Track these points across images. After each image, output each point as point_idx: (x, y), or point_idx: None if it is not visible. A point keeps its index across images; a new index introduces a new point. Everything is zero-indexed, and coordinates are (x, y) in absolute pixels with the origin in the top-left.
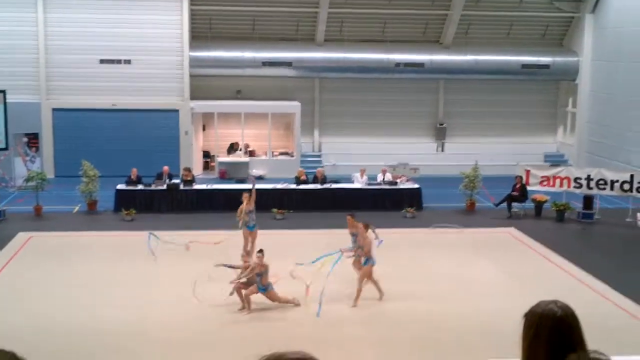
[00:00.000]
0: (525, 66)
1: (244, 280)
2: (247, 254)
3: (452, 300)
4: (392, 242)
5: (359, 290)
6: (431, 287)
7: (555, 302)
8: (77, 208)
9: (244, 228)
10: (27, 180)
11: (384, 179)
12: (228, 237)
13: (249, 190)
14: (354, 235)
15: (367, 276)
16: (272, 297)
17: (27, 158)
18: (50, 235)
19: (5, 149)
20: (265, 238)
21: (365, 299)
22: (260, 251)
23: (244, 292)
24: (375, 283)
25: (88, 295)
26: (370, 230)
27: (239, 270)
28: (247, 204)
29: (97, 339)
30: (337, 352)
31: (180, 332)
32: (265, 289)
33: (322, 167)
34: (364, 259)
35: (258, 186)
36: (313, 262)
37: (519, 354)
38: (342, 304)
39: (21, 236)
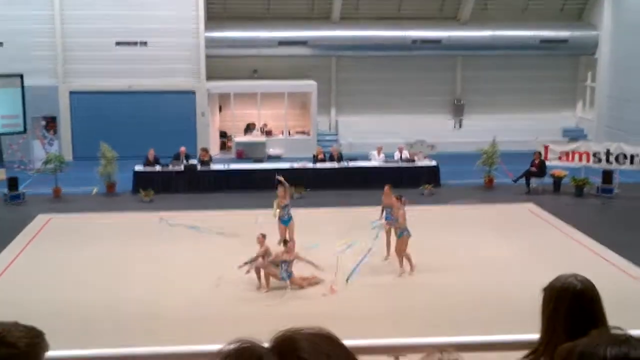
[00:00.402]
0: (544, 41)
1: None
2: (284, 243)
3: (470, 275)
4: (410, 220)
5: (400, 261)
6: (450, 263)
7: (575, 275)
8: (95, 190)
9: (278, 222)
10: (46, 162)
11: (400, 156)
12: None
13: (283, 184)
14: (387, 207)
15: (403, 248)
16: (295, 283)
17: (45, 141)
18: (70, 217)
19: (24, 132)
20: None
21: (385, 274)
22: (285, 242)
23: (263, 271)
24: (408, 256)
25: (107, 276)
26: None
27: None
28: (282, 199)
29: (116, 320)
30: (354, 327)
31: (198, 311)
32: (289, 276)
33: (337, 145)
34: (399, 231)
35: (275, 165)
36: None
37: (539, 328)
38: (366, 277)
39: (41, 218)
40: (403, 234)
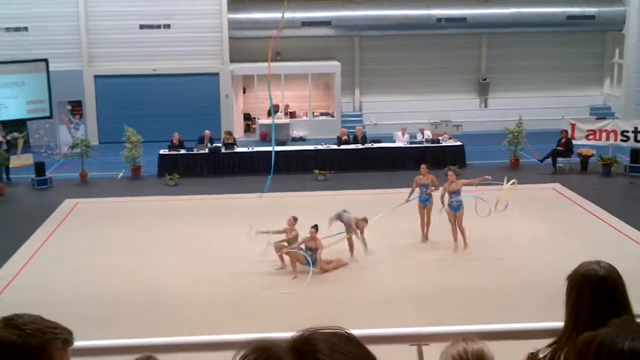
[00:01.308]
0: (570, 17)
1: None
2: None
3: (496, 256)
4: (435, 199)
5: (463, 236)
6: (476, 245)
7: (598, 262)
8: (121, 174)
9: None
10: (72, 147)
11: (423, 137)
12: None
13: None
14: (424, 185)
15: (461, 221)
16: (321, 268)
17: (71, 125)
18: (97, 201)
19: (50, 117)
20: (308, 200)
21: (407, 256)
22: (315, 227)
23: (287, 256)
24: (463, 231)
25: (135, 260)
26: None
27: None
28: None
29: (144, 303)
30: (378, 311)
31: (224, 296)
32: (315, 262)
33: (362, 125)
34: (456, 204)
35: (299, 147)
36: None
37: (563, 315)
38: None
39: (68, 203)
40: (459, 208)
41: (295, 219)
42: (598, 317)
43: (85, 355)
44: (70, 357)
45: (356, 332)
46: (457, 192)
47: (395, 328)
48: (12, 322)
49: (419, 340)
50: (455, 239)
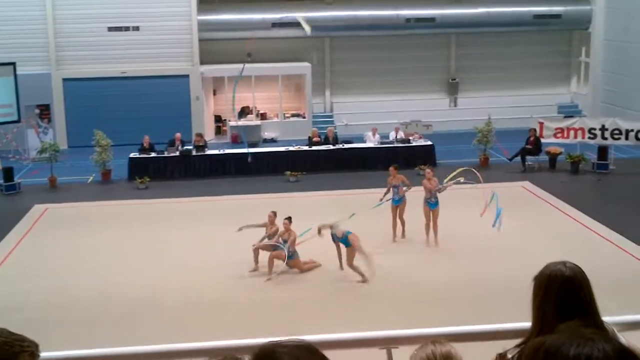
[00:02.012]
0: (537, 16)
1: (267, 243)
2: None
3: (465, 255)
4: (409, 199)
5: (436, 233)
6: (445, 243)
7: (564, 262)
8: (91, 178)
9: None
10: (41, 151)
11: (396, 137)
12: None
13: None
14: (395, 187)
15: (436, 218)
16: (296, 265)
17: (40, 130)
18: (66, 206)
19: (18, 121)
20: (280, 201)
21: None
22: (288, 218)
23: (269, 254)
24: (436, 228)
25: (105, 264)
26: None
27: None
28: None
29: (114, 307)
30: (352, 312)
31: (196, 298)
32: (292, 256)
33: (333, 126)
34: (434, 201)
35: (271, 149)
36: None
37: (530, 315)
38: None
39: (37, 208)
40: (436, 206)
41: (274, 214)
42: (564, 317)
43: None
44: None
45: (326, 336)
46: (434, 191)
47: (365, 332)
48: None
49: (388, 343)
50: (428, 233)
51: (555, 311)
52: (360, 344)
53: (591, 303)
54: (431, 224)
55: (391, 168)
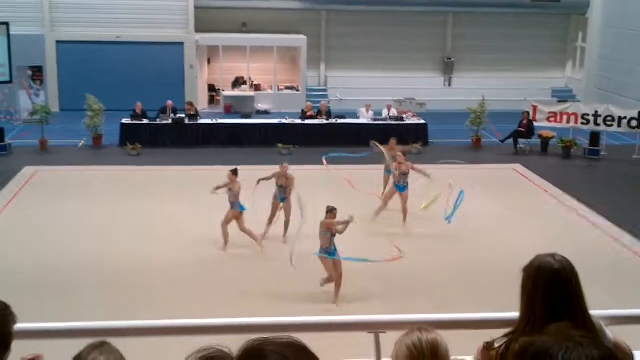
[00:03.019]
0: None
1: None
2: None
3: (454, 237)
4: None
5: (405, 215)
6: (435, 225)
7: (553, 255)
8: (82, 142)
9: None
10: (32, 113)
11: (389, 114)
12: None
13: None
14: (393, 158)
15: (405, 201)
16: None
17: (32, 91)
18: (56, 169)
19: (10, 82)
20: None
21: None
22: (233, 170)
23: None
24: (406, 211)
25: (94, 230)
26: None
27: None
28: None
29: (101, 273)
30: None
31: (184, 266)
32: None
33: (327, 101)
34: (403, 184)
35: (263, 121)
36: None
37: (519, 305)
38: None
39: (27, 170)
40: (405, 189)
41: (234, 172)
42: (552, 309)
43: (38, 338)
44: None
45: (315, 318)
46: (406, 174)
47: (353, 315)
48: None
49: (375, 328)
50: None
51: (543, 303)
52: (349, 327)
53: (579, 296)
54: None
55: (392, 140)
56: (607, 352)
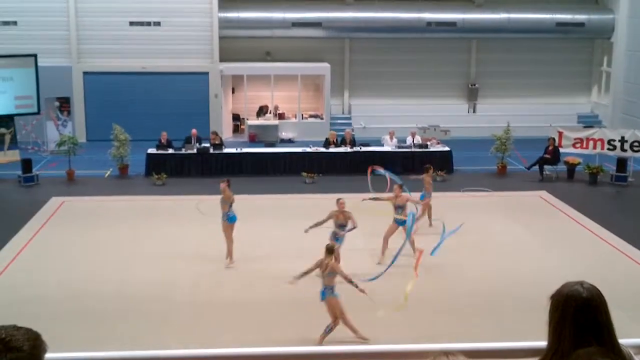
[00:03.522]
0: (560, 24)
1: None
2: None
3: (481, 263)
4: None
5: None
6: (461, 251)
7: (581, 283)
8: (108, 172)
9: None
10: (59, 144)
11: (413, 141)
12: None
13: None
14: (400, 207)
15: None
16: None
17: (59, 122)
18: (83, 199)
19: (38, 113)
20: (295, 202)
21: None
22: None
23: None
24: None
25: (120, 259)
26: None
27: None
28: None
29: (128, 302)
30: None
31: (207, 294)
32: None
33: (350, 128)
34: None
35: (288, 149)
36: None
37: (545, 333)
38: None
39: (54, 201)
40: (404, 224)
41: (227, 181)
42: (581, 338)
43: None
44: None
45: (339, 348)
46: (402, 207)
47: (378, 345)
48: (10, 344)
49: (399, 357)
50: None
51: (571, 332)
52: (376, 356)
53: (608, 325)
54: (386, 241)
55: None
56: None
